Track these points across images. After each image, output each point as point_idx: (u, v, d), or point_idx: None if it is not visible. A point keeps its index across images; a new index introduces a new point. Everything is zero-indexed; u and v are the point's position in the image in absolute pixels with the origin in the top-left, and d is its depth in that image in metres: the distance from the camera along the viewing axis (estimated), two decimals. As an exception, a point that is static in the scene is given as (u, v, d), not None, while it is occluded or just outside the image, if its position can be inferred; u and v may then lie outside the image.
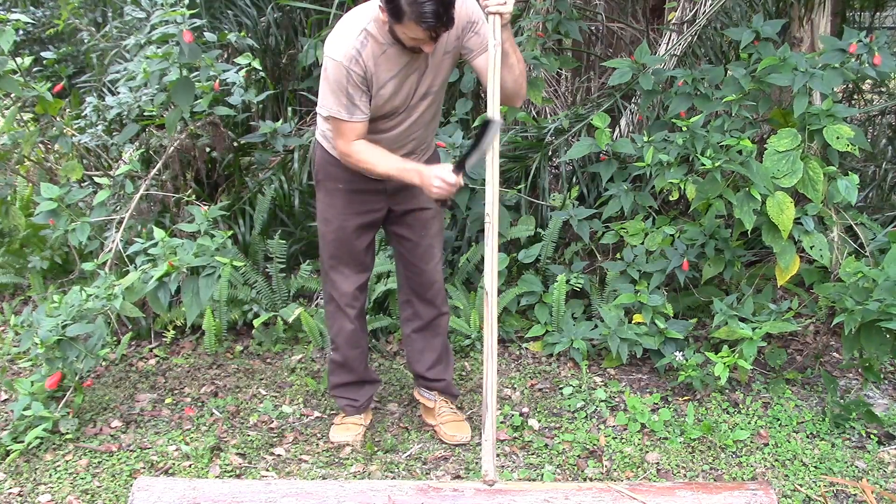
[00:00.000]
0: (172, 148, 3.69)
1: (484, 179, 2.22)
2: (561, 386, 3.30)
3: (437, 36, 2.24)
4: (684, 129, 3.27)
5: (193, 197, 3.49)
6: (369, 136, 2.47)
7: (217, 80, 3.54)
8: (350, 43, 2.31)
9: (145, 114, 3.67)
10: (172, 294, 2.90)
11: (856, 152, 3.15)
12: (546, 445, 2.90)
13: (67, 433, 2.87)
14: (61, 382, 2.93)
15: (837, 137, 3.11)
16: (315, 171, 2.72)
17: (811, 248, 3.15)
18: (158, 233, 3.00)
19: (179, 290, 2.94)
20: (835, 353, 3.60)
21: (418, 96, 2.47)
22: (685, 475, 2.75)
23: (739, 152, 3.13)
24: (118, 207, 3.59)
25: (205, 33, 3.61)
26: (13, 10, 5.05)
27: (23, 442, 2.78)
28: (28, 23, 3.85)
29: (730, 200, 3.14)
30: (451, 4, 2.18)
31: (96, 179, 3.54)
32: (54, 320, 2.83)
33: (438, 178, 2.33)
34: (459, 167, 2.33)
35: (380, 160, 2.45)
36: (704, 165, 3.10)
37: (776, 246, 3.14)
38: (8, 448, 2.78)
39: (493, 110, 2.18)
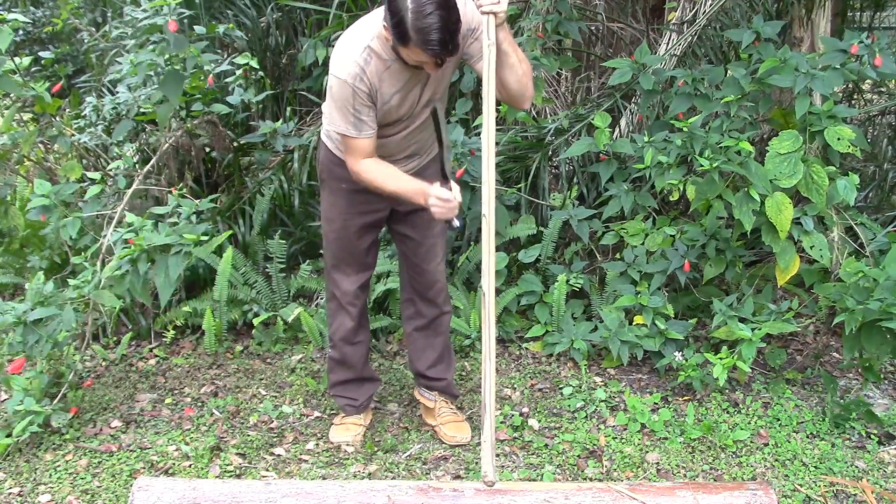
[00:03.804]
0: (167, 144, 3.68)
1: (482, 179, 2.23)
2: (561, 386, 3.30)
3: (442, 62, 2.24)
4: (683, 129, 3.27)
5: (185, 191, 3.47)
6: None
7: (211, 75, 3.53)
8: (354, 61, 2.31)
9: (143, 111, 3.67)
10: (142, 275, 2.90)
11: (857, 153, 3.15)
12: (546, 445, 2.90)
13: (65, 432, 2.87)
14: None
15: (839, 139, 3.11)
16: (319, 170, 2.73)
17: (811, 248, 3.15)
18: (132, 217, 3.00)
19: (178, 290, 2.94)
20: (834, 353, 3.60)
21: (422, 105, 2.48)
22: (685, 475, 2.75)
23: (738, 153, 3.13)
24: (113, 205, 3.58)
25: (196, 27, 3.61)
26: (13, 9, 5.05)
27: (12, 437, 2.77)
28: (27, 22, 3.84)
29: (729, 201, 3.14)
30: (456, 32, 2.18)
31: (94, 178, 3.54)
32: (19, 306, 2.84)
33: (434, 196, 2.33)
34: (444, 177, 2.36)
35: (388, 179, 2.44)
36: (703, 166, 3.10)
37: (775, 246, 3.14)
38: (3, 444, 2.78)
39: (489, 110, 2.18)
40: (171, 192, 3.28)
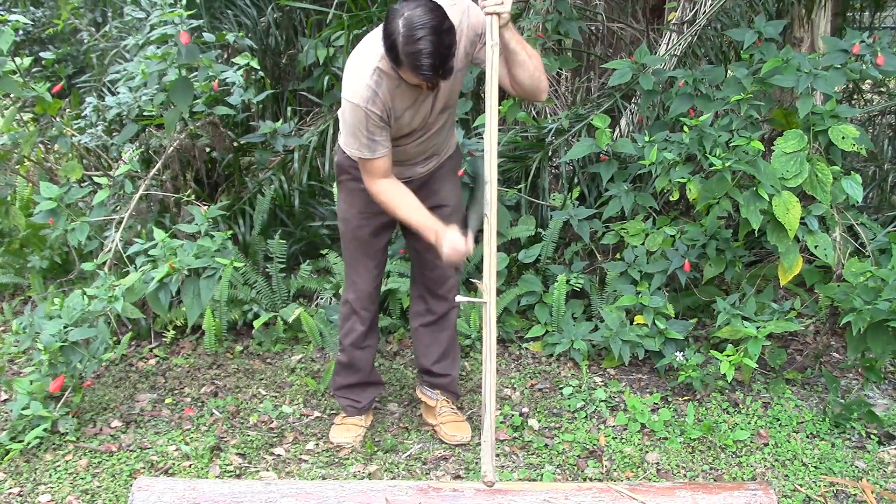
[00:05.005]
0: (172, 148, 3.69)
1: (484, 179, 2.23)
2: (561, 386, 3.30)
3: (433, 86, 2.25)
4: (687, 129, 3.27)
5: (193, 197, 3.49)
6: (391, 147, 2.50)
7: (216, 80, 3.54)
8: (366, 84, 2.32)
9: (145, 114, 3.67)
10: (173, 295, 2.91)
11: (862, 151, 3.15)
12: (546, 445, 2.90)
13: (67, 433, 2.87)
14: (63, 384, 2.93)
15: (843, 137, 3.11)
16: (336, 172, 2.76)
17: (815, 247, 3.15)
18: (158, 233, 3.00)
19: (179, 290, 2.94)
20: (834, 353, 3.60)
21: (435, 114, 2.50)
22: (685, 475, 2.75)
23: (746, 152, 3.12)
24: (118, 207, 3.59)
25: (203, 34, 3.61)
26: (13, 10, 5.05)
27: (22, 441, 2.78)
28: (27, 23, 3.85)
29: (735, 200, 3.13)
30: (448, 57, 2.18)
31: (96, 179, 3.54)
32: (57, 325, 2.83)
33: (449, 245, 2.35)
34: (464, 227, 2.36)
35: (403, 206, 2.47)
36: (714, 165, 3.09)
37: (781, 246, 3.13)
38: (7, 448, 2.78)
39: (491, 110, 2.18)
40: (196, 204, 3.28)
